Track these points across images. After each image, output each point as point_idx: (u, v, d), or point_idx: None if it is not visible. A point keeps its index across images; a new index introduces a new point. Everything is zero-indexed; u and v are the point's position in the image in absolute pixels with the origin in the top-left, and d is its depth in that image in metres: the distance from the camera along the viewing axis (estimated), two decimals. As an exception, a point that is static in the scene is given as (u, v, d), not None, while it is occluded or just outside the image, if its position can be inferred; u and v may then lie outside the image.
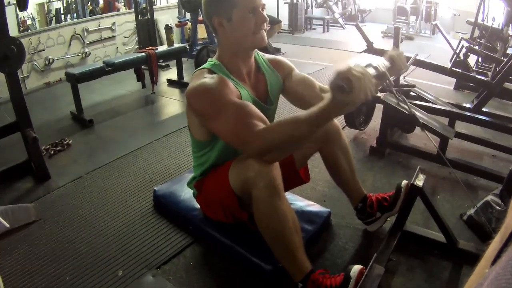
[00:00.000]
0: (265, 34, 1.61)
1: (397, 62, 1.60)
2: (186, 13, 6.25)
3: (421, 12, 8.33)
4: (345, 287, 1.45)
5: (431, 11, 8.21)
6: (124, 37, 6.58)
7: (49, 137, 3.31)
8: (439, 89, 4.21)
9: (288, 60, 1.92)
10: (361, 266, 1.51)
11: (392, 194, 1.89)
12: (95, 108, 4.19)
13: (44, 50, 5.46)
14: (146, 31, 5.69)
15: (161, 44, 6.18)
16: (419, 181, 1.77)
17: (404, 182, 1.88)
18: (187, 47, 5.22)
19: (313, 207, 2.12)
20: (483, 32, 4.55)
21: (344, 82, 1.21)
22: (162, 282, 1.75)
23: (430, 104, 2.96)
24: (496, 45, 4.50)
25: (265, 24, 1.59)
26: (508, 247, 0.40)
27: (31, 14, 6.91)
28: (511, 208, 0.47)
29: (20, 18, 6.64)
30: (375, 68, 1.43)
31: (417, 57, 3.17)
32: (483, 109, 3.06)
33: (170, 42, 4.86)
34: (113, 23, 6.36)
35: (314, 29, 9.26)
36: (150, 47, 4.77)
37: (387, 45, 3.76)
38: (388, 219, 1.96)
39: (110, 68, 4.01)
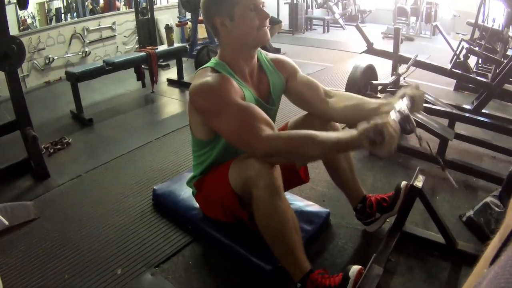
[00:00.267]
0: (268, 30, 1.61)
1: (418, 102, 1.60)
2: (187, 12, 6.25)
3: (421, 13, 8.34)
4: (344, 287, 1.45)
5: (431, 12, 8.21)
6: (124, 36, 6.58)
7: (49, 136, 3.31)
8: (439, 90, 4.21)
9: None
10: (360, 266, 1.51)
11: (392, 195, 1.89)
12: (95, 107, 4.19)
13: (44, 49, 5.46)
14: (146, 30, 5.69)
15: (161, 43, 6.18)
16: (419, 182, 1.77)
17: (404, 182, 1.88)
18: (187, 46, 5.22)
19: (313, 207, 2.12)
20: (483, 33, 4.56)
21: (377, 137, 1.24)
22: (161, 281, 1.75)
23: (430, 105, 2.97)
24: (496, 46, 4.51)
25: (267, 20, 1.59)
26: (507, 247, 0.40)
27: (31, 13, 6.90)
28: (510, 209, 0.47)
29: (20, 17, 6.63)
30: (399, 112, 1.43)
31: (417, 58, 3.20)
32: (483, 111, 3.06)
33: (170, 42, 4.87)
34: (113, 23, 6.36)
35: (314, 29, 9.26)
36: (150, 47, 4.77)
37: (387, 45, 3.76)
38: (388, 220, 1.96)
39: (110, 67, 4.02)
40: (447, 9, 8.44)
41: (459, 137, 2.83)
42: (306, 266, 1.53)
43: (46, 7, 7.08)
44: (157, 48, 4.68)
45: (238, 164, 1.59)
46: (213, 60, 1.69)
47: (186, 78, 4.93)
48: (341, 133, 1.39)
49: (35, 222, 2.08)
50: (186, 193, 2.15)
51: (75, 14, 7.12)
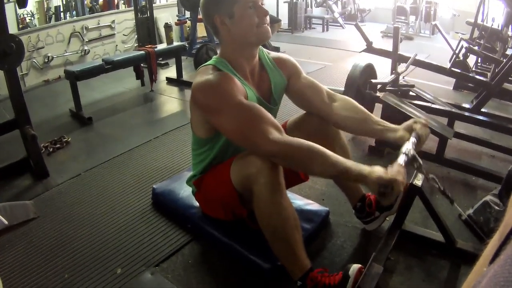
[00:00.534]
0: (269, 28, 1.61)
1: (423, 140, 1.63)
2: (186, 11, 6.24)
3: (421, 12, 8.33)
4: (343, 286, 1.46)
5: (430, 11, 8.21)
6: (123, 35, 6.57)
7: (48, 135, 3.31)
8: (438, 89, 4.21)
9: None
10: (359, 265, 1.52)
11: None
12: (94, 106, 4.19)
13: (43, 47, 5.45)
14: (146, 29, 5.68)
15: (161, 42, 6.17)
16: (418, 181, 1.77)
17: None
18: (187, 45, 5.22)
19: (312, 205, 2.12)
20: (483, 32, 4.55)
21: (387, 190, 1.31)
22: (160, 280, 1.75)
23: (429, 104, 2.97)
24: (495, 45, 4.51)
25: (267, 17, 1.59)
26: (506, 246, 0.40)
27: (31, 11, 6.88)
28: (510, 207, 0.47)
29: (20, 16, 6.62)
30: (406, 155, 1.48)
31: (417, 57, 3.20)
32: (482, 110, 3.07)
33: (169, 40, 4.86)
34: (113, 21, 6.35)
35: (314, 28, 9.26)
36: (149, 45, 4.76)
37: (386, 44, 3.75)
38: (387, 218, 1.97)
39: (109, 66, 4.02)
40: (446, 8, 8.44)
41: (458, 136, 2.83)
42: (306, 264, 1.53)
43: (45, 6, 7.05)
44: (156, 47, 4.67)
45: (239, 161, 1.59)
46: (215, 58, 1.68)
47: (185, 77, 4.93)
48: (353, 164, 1.42)
49: (34, 221, 2.08)
50: (185, 192, 2.15)
51: (74, 12, 7.10)
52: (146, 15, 5.70)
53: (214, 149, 1.74)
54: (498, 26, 4.64)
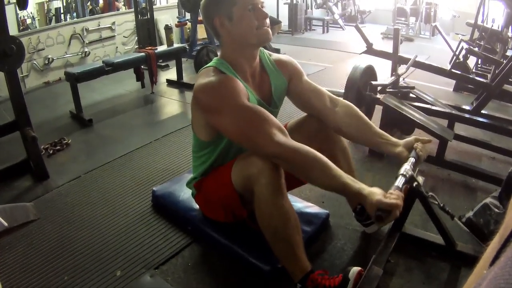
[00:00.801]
0: (269, 29, 1.60)
1: (420, 161, 1.64)
2: (186, 13, 6.25)
3: (421, 13, 8.35)
4: (343, 288, 1.46)
5: (430, 13, 8.23)
6: (123, 36, 6.57)
7: (48, 136, 3.31)
8: (438, 90, 4.21)
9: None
10: (359, 268, 1.51)
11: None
12: (94, 108, 4.19)
13: (43, 49, 5.45)
14: (146, 31, 5.69)
15: (161, 44, 6.18)
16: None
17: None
18: (187, 47, 5.22)
19: (312, 208, 2.12)
20: (483, 33, 4.56)
21: (385, 214, 1.31)
22: (160, 282, 1.75)
23: (429, 106, 2.97)
24: (495, 46, 4.51)
25: (267, 20, 1.59)
26: (506, 248, 0.40)
27: (31, 13, 6.91)
28: (510, 209, 0.47)
29: (20, 17, 6.64)
30: (404, 176, 1.50)
31: (417, 59, 3.20)
32: (483, 111, 3.06)
33: (169, 42, 4.86)
34: (113, 23, 6.36)
35: (314, 30, 9.28)
36: (149, 47, 4.77)
37: (386, 46, 3.76)
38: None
39: (110, 68, 4.02)
40: (446, 9, 8.45)
41: (458, 137, 2.83)
42: (306, 266, 1.53)
43: (46, 7, 7.08)
44: (156, 49, 4.68)
45: (240, 162, 1.59)
46: (215, 59, 1.68)
47: (185, 79, 4.93)
48: (353, 181, 1.42)
49: (34, 223, 2.08)
50: (185, 194, 2.15)
51: (74, 14, 7.12)
52: (146, 17, 5.71)
53: (215, 152, 1.74)
54: (498, 27, 4.65)
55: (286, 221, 1.51)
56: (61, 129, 3.62)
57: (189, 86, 4.63)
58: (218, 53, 1.74)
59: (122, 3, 7.60)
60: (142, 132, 3.54)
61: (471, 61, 4.70)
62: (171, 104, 4.44)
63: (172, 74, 5.19)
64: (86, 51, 6.01)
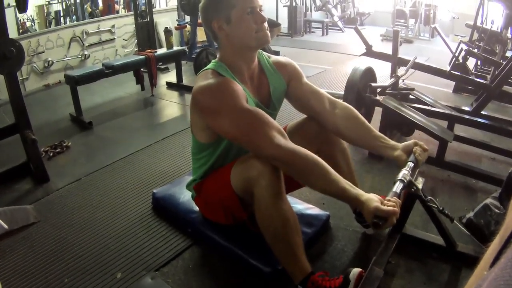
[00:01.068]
0: (268, 32, 1.61)
1: (419, 166, 1.64)
2: (185, 15, 6.26)
3: (420, 15, 8.36)
4: (344, 290, 1.45)
5: (430, 14, 8.23)
6: (123, 39, 6.58)
7: (48, 139, 3.31)
8: (438, 92, 4.21)
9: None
10: (360, 269, 1.51)
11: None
12: (94, 110, 4.19)
13: (43, 52, 5.46)
14: (146, 33, 5.69)
15: (161, 46, 6.18)
16: (418, 184, 1.77)
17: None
18: (186, 49, 5.23)
19: (312, 210, 2.12)
20: (482, 35, 4.57)
21: (382, 220, 1.31)
22: (160, 284, 1.75)
23: (429, 107, 2.97)
24: (495, 48, 4.52)
25: (265, 24, 1.59)
26: (507, 249, 0.40)
27: (31, 16, 6.89)
28: (510, 210, 0.47)
29: (20, 20, 6.63)
30: (403, 181, 1.51)
31: (416, 60, 3.20)
32: (482, 112, 3.07)
33: (169, 45, 4.87)
34: (113, 26, 6.37)
35: (313, 32, 9.28)
36: (149, 50, 4.77)
37: (386, 48, 3.76)
38: (387, 222, 1.96)
39: (109, 71, 4.02)
40: (445, 11, 8.46)
41: (458, 139, 2.83)
42: (307, 268, 1.53)
43: (46, 10, 7.07)
44: (156, 51, 4.68)
45: (240, 164, 1.59)
46: (214, 62, 1.68)
47: (185, 81, 4.93)
48: (351, 186, 1.43)
49: (34, 225, 2.10)
50: (185, 196, 2.15)
51: (74, 17, 7.11)
52: (146, 20, 5.71)
53: (214, 154, 1.74)
54: (498, 28, 4.66)
55: (286, 223, 1.51)
56: (61, 132, 3.63)
57: (188, 89, 4.64)
58: (217, 56, 1.74)
59: (122, 6, 7.60)
60: (142, 134, 3.55)
61: (471, 63, 4.70)
62: (171, 106, 4.45)
63: (171, 77, 5.19)
64: (85, 54, 6.01)
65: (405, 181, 1.51)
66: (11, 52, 2.36)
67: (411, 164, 1.58)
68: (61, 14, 7.20)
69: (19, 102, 2.54)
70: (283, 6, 8.74)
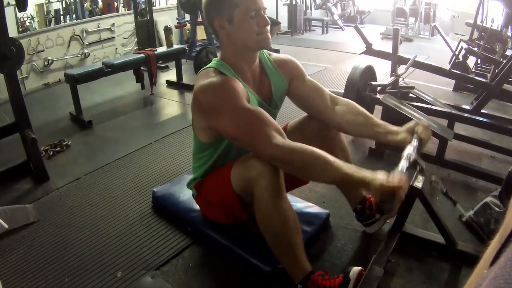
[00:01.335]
0: (269, 35, 1.60)
1: (425, 143, 1.61)
2: (185, 14, 6.25)
3: (420, 13, 8.35)
4: (344, 288, 1.45)
5: (430, 13, 8.22)
6: (123, 38, 6.58)
7: (48, 138, 3.31)
8: (438, 90, 4.21)
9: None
10: (360, 268, 1.51)
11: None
12: (94, 109, 4.19)
13: (43, 51, 5.46)
14: (145, 32, 5.69)
15: (160, 45, 6.19)
16: (418, 183, 1.77)
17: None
18: (186, 48, 5.22)
19: (312, 208, 2.12)
20: (482, 33, 4.56)
21: (390, 196, 1.30)
22: (161, 283, 1.75)
23: (429, 106, 2.97)
24: (495, 46, 4.51)
25: (267, 27, 1.58)
26: (506, 248, 0.40)
27: (30, 14, 6.89)
28: (510, 209, 0.47)
29: (20, 19, 6.62)
30: (408, 159, 1.47)
31: (416, 59, 3.20)
32: (482, 111, 3.07)
33: (169, 43, 4.87)
34: (112, 24, 6.37)
35: (313, 30, 9.27)
36: (149, 48, 4.77)
37: (386, 46, 3.76)
38: (387, 221, 1.96)
39: (109, 69, 4.02)
40: (446, 9, 8.44)
41: (458, 137, 2.83)
42: (307, 267, 1.53)
43: (45, 9, 7.06)
44: (156, 50, 4.67)
45: (240, 164, 1.59)
46: (215, 60, 1.67)
47: (185, 80, 4.93)
48: (355, 169, 1.41)
49: (34, 225, 2.09)
50: (185, 195, 2.15)
51: (74, 15, 7.10)
52: (145, 18, 5.70)
53: (215, 154, 1.74)
54: (498, 27, 4.65)
55: (285, 222, 1.51)
56: (61, 131, 3.63)
57: (188, 87, 4.64)
58: (218, 54, 1.73)
59: (122, 4, 7.59)
60: (142, 133, 3.55)
61: (471, 61, 4.70)
62: (171, 105, 4.44)
63: (171, 75, 5.19)
64: (85, 53, 6.01)
65: (410, 159, 1.47)
66: (11, 51, 2.36)
67: (415, 143, 1.55)
68: (61, 13, 7.19)
69: (19, 101, 2.54)
70: (283, 5, 8.72)
